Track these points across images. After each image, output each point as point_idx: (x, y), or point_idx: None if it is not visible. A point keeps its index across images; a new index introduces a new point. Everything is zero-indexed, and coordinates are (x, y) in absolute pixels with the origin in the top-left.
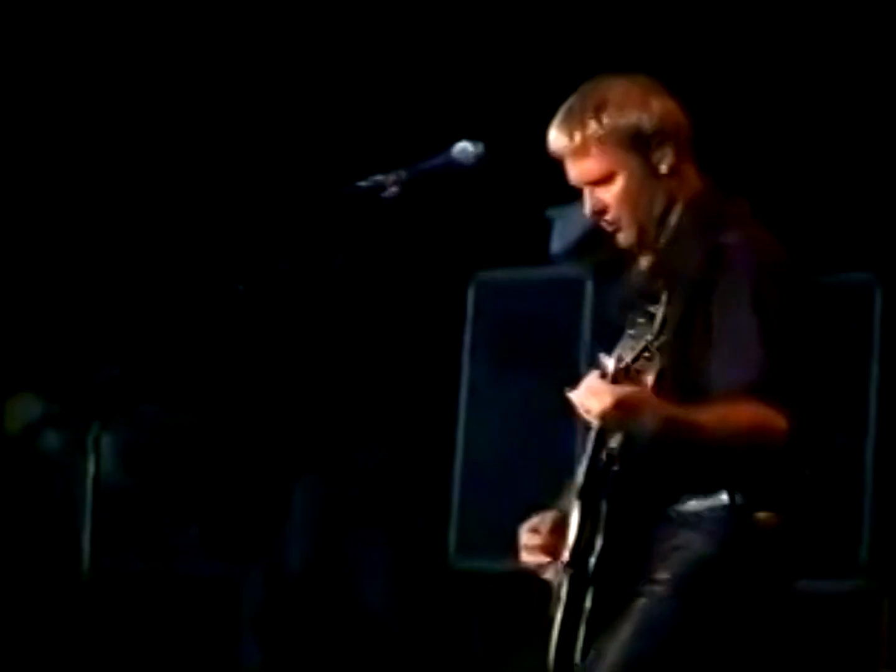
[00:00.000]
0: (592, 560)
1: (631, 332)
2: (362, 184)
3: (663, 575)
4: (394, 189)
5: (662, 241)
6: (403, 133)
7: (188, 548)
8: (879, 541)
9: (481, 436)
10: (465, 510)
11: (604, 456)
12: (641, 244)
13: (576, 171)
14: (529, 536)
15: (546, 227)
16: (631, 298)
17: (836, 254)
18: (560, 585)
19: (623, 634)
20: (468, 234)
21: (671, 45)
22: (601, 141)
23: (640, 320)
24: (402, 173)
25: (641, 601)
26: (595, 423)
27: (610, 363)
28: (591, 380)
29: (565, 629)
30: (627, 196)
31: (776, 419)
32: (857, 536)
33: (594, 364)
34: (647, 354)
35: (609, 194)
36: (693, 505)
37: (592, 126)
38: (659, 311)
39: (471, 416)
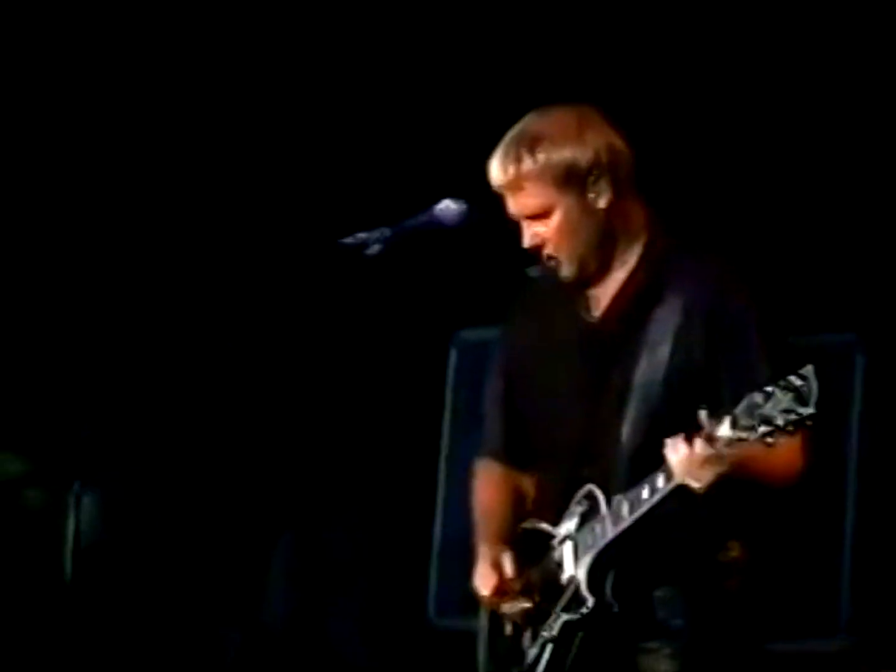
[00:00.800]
0: (615, 608)
1: (746, 401)
2: (346, 241)
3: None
4: (377, 247)
5: (618, 275)
6: (386, 190)
7: (170, 605)
8: (859, 600)
9: (462, 494)
10: (445, 570)
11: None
12: (582, 278)
13: (513, 205)
14: (493, 579)
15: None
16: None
17: (818, 314)
18: (550, 624)
19: None
20: (450, 292)
21: (645, 96)
22: (535, 176)
23: (758, 396)
24: (386, 231)
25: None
26: (699, 488)
27: (725, 427)
28: (700, 446)
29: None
30: (563, 231)
31: (798, 457)
32: (836, 596)
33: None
34: (790, 429)
35: (546, 229)
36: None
37: (527, 162)
38: (811, 384)
39: (451, 477)
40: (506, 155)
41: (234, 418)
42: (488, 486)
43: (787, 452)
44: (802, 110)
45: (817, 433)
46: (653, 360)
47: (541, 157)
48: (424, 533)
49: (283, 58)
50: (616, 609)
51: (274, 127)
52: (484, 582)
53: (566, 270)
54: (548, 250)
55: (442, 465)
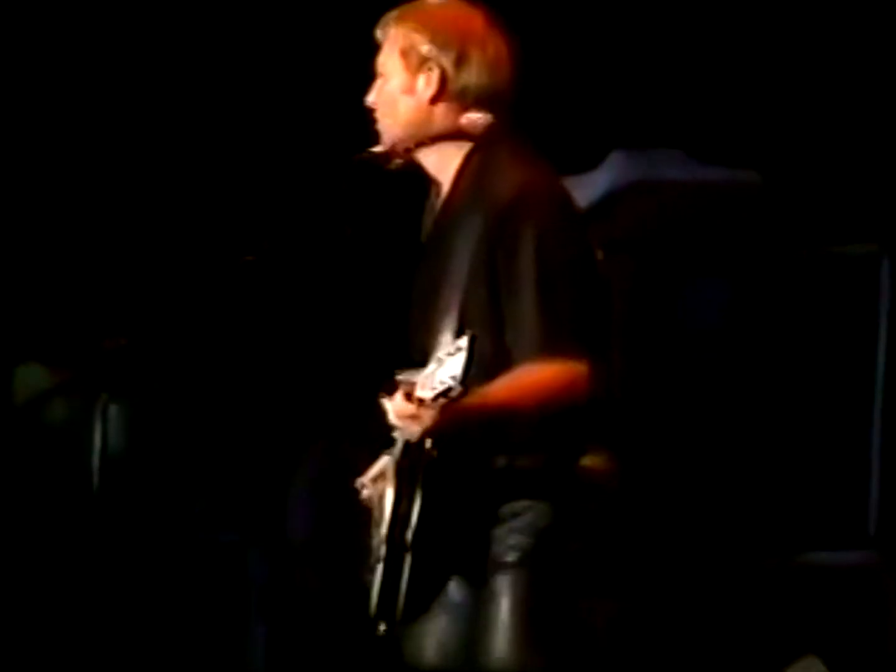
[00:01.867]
0: (409, 535)
1: (438, 356)
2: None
3: (507, 558)
4: (401, 159)
5: (448, 179)
6: None
7: (194, 518)
8: (886, 512)
9: None
10: None
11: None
12: (393, 155)
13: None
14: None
15: None
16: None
17: (842, 225)
18: (377, 549)
19: (494, 628)
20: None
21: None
22: (391, 38)
23: (448, 350)
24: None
25: (497, 589)
26: (414, 442)
27: (417, 385)
28: (400, 401)
29: (386, 588)
30: (384, 97)
31: (574, 371)
32: (863, 508)
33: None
34: (451, 395)
35: (373, 92)
36: (516, 472)
37: (393, 23)
38: (461, 356)
39: None
40: (392, 11)
41: (261, 332)
42: None
43: (534, 377)
44: (819, 24)
45: (843, 344)
46: (455, 285)
47: (402, 25)
48: None
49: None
50: (409, 545)
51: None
52: None
53: (381, 142)
54: (376, 113)
55: None
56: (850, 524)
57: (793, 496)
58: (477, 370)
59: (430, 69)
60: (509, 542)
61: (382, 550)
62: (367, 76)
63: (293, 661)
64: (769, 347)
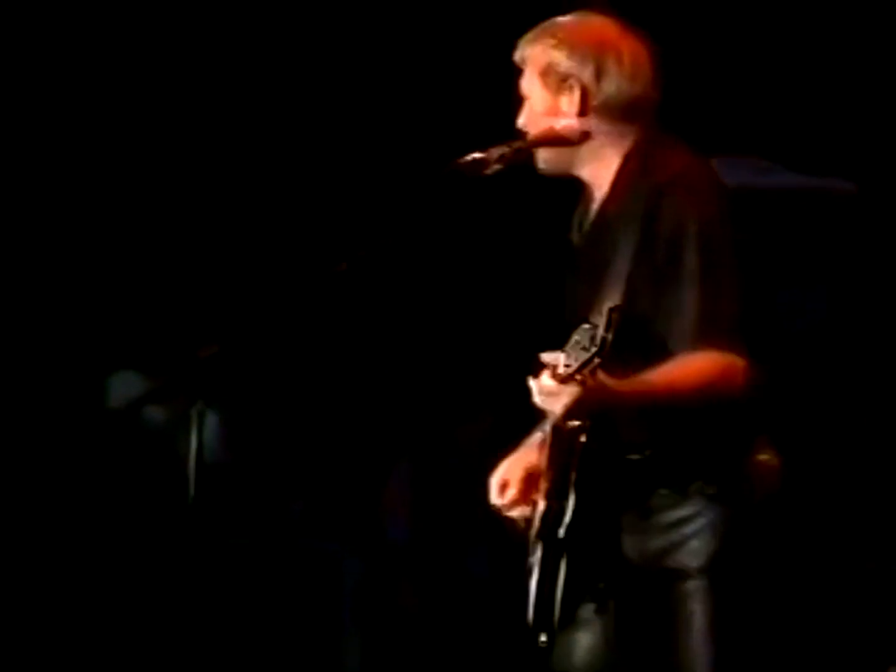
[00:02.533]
0: (562, 530)
1: (576, 337)
2: (466, 159)
3: (692, 564)
4: (496, 166)
5: (606, 180)
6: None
7: (291, 525)
8: None
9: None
10: None
11: (569, 427)
12: (553, 172)
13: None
14: (503, 493)
15: None
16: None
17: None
18: (533, 551)
19: (685, 636)
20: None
21: None
22: (529, 60)
23: (585, 326)
24: (506, 148)
25: (684, 598)
26: (558, 421)
27: (560, 363)
28: (545, 381)
29: (541, 595)
30: (532, 119)
31: (732, 362)
32: None
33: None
34: (590, 366)
35: (525, 115)
36: (683, 475)
37: (529, 46)
38: (600, 328)
39: None
40: (528, 35)
41: (356, 337)
42: None
43: (693, 368)
44: None
45: None
46: (616, 276)
47: (538, 46)
48: None
49: None
50: (562, 535)
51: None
52: (492, 488)
53: (538, 162)
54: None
55: None
56: None
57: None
58: (636, 360)
59: (570, 87)
60: (691, 546)
61: (538, 552)
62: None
63: (389, 663)
64: (867, 353)
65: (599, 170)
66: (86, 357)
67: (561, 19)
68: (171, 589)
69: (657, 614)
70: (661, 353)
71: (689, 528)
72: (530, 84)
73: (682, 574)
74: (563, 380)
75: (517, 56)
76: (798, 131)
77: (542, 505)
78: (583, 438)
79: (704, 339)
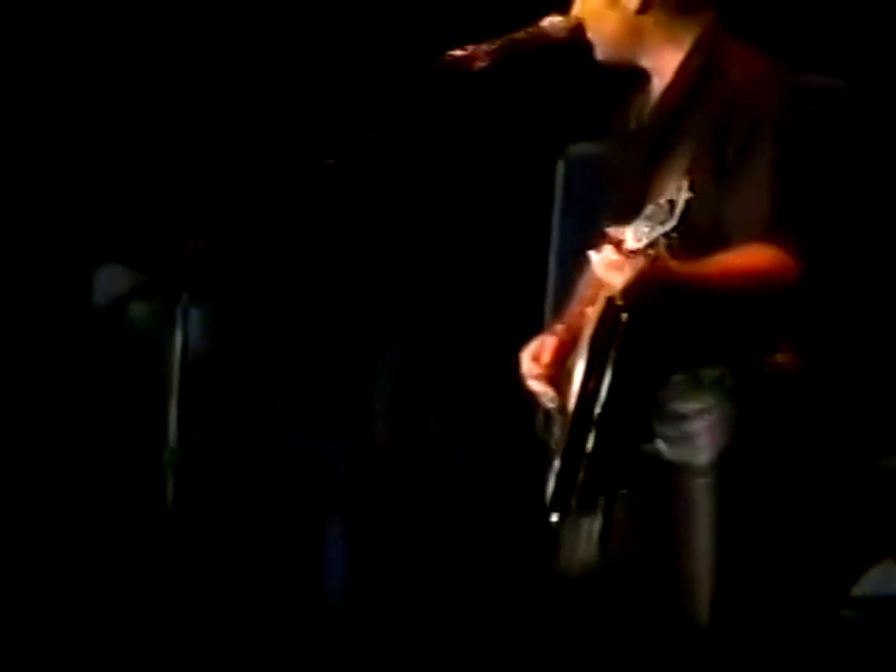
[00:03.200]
0: (598, 409)
1: (647, 211)
2: (452, 54)
3: (699, 459)
4: (484, 61)
5: (669, 69)
6: (492, 5)
7: (274, 420)
8: None
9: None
10: None
11: (613, 307)
12: (615, 61)
13: None
14: (531, 365)
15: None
16: (626, 140)
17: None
18: (561, 428)
19: (691, 537)
20: (558, 107)
21: None
22: None
23: (660, 202)
24: (493, 44)
25: (690, 493)
26: (617, 294)
27: (629, 236)
28: (609, 252)
29: (564, 471)
30: (590, 14)
31: (787, 263)
32: None
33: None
34: (664, 242)
35: (583, 10)
36: (704, 366)
37: None
38: (680, 199)
39: (559, 292)
40: None
41: (339, 232)
42: (589, 275)
43: (749, 260)
44: None
45: None
46: (680, 162)
47: None
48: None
49: None
50: (598, 413)
51: None
52: (522, 365)
53: (596, 53)
54: (587, 32)
55: (550, 279)
56: None
57: (877, 401)
58: (690, 247)
59: None
60: (700, 441)
61: (563, 429)
62: None
63: (373, 565)
64: None
65: (662, 61)
66: (71, 251)
67: None
68: (151, 481)
69: (662, 506)
70: (717, 243)
71: (700, 423)
72: None
73: (690, 469)
74: (633, 252)
75: None
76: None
77: (578, 378)
78: (625, 317)
79: (769, 234)
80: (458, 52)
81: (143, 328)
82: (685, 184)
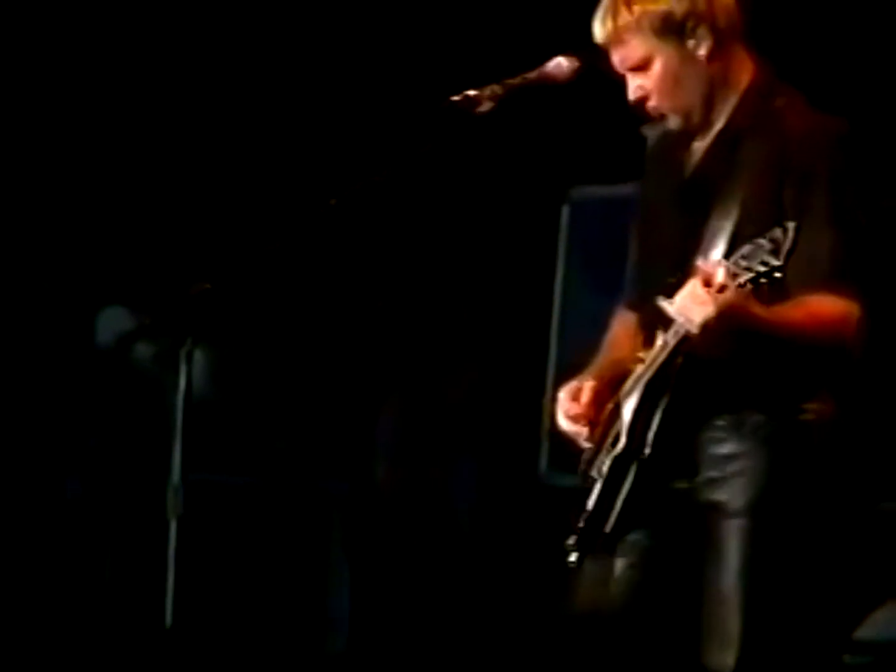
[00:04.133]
0: (646, 451)
1: (747, 248)
2: (456, 99)
3: (735, 502)
4: (488, 104)
5: (717, 126)
6: (497, 48)
7: (277, 463)
8: None
9: (574, 354)
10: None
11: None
12: (689, 128)
13: (616, 60)
14: (570, 405)
15: (642, 144)
16: (683, 183)
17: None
18: (601, 463)
19: (723, 581)
20: (563, 151)
21: None
22: (633, 28)
23: (760, 242)
24: (497, 88)
25: (723, 535)
26: (694, 331)
27: (720, 273)
28: (696, 287)
29: (602, 501)
30: (664, 81)
31: (852, 311)
32: None
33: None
34: (763, 280)
35: (648, 81)
36: (746, 411)
37: (624, 14)
38: (787, 238)
39: (563, 337)
40: (605, 10)
41: (347, 276)
42: (617, 328)
43: (823, 309)
44: None
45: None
46: (730, 211)
47: (636, 8)
48: (536, 391)
49: None
50: (647, 452)
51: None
52: (559, 405)
53: (672, 122)
54: (652, 102)
55: (554, 325)
56: None
57: (877, 444)
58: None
59: (693, 27)
60: (737, 483)
61: (605, 466)
62: None
63: (376, 605)
64: None
65: (717, 108)
66: (76, 292)
67: None
68: (157, 525)
69: (694, 547)
70: (780, 289)
71: (738, 465)
72: (643, 51)
73: (724, 510)
74: (724, 287)
75: (602, 35)
76: None
77: (627, 418)
78: (679, 361)
79: (832, 283)
80: (463, 95)
81: (147, 369)
82: (791, 225)
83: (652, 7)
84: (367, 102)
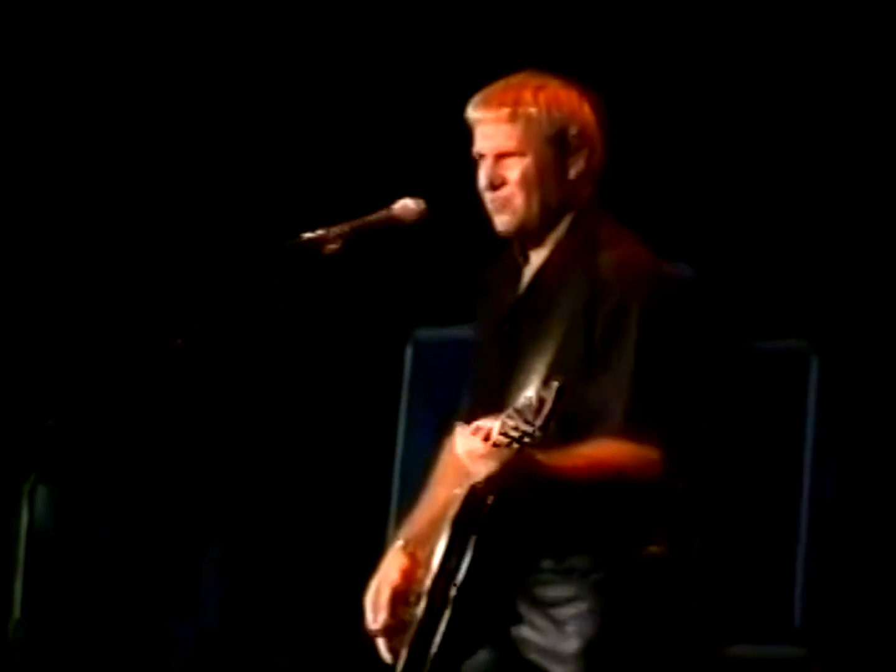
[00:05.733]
0: (453, 591)
1: (517, 406)
2: (304, 237)
3: (568, 649)
4: (335, 244)
5: (543, 252)
6: (345, 188)
7: (118, 601)
8: (812, 606)
9: (417, 493)
10: None
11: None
12: (521, 233)
13: (493, 137)
14: (375, 619)
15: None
16: (501, 311)
17: (772, 321)
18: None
19: None
20: (407, 291)
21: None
22: (531, 118)
23: (531, 397)
24: (344, 228)
25: None
26: (480, 482)
27: (496, 428)
28: (475, 443)
29: (417, 648)
30: (528, 178)
31: (648, 455)
32: (789, 601)
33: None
34: (527, 440)
35: (513, 171)
36: (573, 556)
37: (528, 102)
38: (548, 400)
39: (406, 473)
40: (507, 91)
41: (185, 420)
42: (447, 457)
43: (611, 454)
44: (756, 122)
45: (771, 437)
46: (547, 345)
47: (542, 102)
48: (376, 537)
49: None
50: (453, 594)
51: (227, 134)
52: (365, 608)
53: (508, 222)
54: (503, 193)
55: (397, 466)
56: (777, 617)
57: (721, 589)
58: (559, 431)
59: (576, 149)
60: (567, 629)
61: (420, 608)
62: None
63: None
64: None
65: (548, 230)
66: None
67: (533, 75)
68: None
69: None
70: (581, 430)
71: (568, 610)
72: (526, 142)
73: (555, 656)
74: (495, 445)
75: (490, 108)
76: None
77: (438, 557)
78: (489, 501)
79: (626, 430)
80: (310, 235)
81: None
82: (555, 384)
83: (556, 112)
84: (214, 237)
